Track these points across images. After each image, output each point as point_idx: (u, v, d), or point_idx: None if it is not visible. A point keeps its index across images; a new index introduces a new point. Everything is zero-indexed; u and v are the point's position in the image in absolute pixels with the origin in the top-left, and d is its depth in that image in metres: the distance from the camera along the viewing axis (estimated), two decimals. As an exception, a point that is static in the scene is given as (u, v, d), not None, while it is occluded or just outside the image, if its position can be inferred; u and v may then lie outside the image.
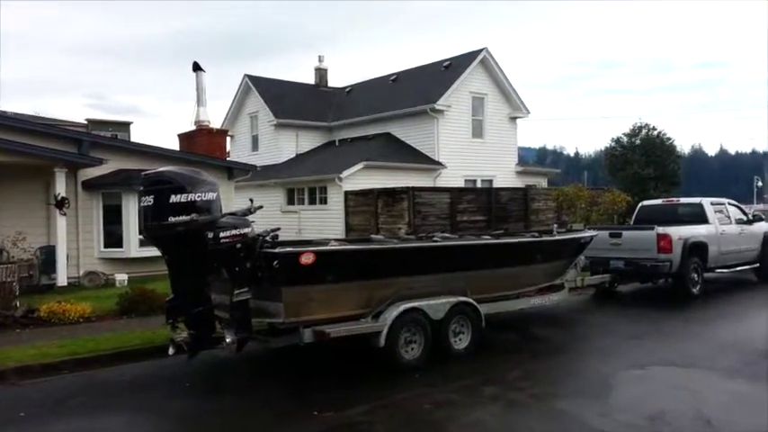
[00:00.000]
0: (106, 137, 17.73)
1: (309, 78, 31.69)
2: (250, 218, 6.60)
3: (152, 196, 5.78)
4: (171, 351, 6.13)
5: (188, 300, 5.94)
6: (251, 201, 7.16)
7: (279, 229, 6.80)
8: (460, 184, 22.49)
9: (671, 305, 11.07)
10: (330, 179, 20.57)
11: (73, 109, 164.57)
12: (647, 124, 31.38)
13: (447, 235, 9.92)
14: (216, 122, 27.02)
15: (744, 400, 5.73)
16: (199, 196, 5.78)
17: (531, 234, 9.85)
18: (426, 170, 22.47)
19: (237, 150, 28.85)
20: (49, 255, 12.98)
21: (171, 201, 5.66)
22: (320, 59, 31.69)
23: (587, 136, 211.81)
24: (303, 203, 22.50)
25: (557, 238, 9.47)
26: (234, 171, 16.73)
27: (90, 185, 13.96)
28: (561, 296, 9.62)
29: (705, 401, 5.61)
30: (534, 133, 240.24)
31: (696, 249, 11.53)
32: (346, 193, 19.87)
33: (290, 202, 23.13)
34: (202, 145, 17.25)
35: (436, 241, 8.00)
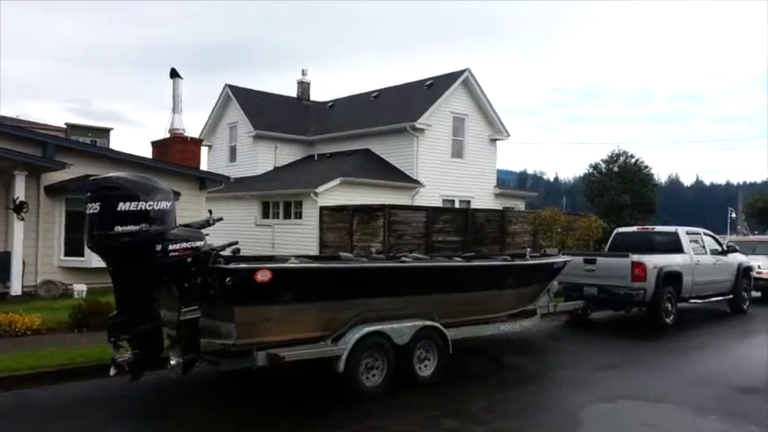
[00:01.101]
0: (73, 140, 17.22)
1: (292, 91, 31.42)
2: (212, 230, 6.23)
3: (98, 203, 5.39)
4: (112, 372, 5.69)
5: (133, 316, 5.52)
6: (209, 212, 6.83)
7: (237, 242, 6.46)
8: (438, 203, 22.31)
9: (644, 335, 10.86)
10: (306, 193, 20.21)
11: (56, 114, 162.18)
12: (624, 152, 31.74)
13: (418, 255, 9.61)
14: (196, 132, 26.66)
15: (716, 440, 5.47)
16: (151, 205, 5.43)
17: (503, 257, 9.59)
18: (404, 188, 22.23)
19: (215, 161, 28.38)
20: (3, 261, 12.39)
21: (119, 209, 5.30)
22: (303, 72, 31.39)
23: (567, 162, 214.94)
24: (278, 217, 22.06)
25: (529, 262, 9.23)
26: (206, 181, 16.26)
27: (53, 190, 13.42)
28: (533, 322, 9.34)
29: (676, 441, 5.34)
30: (515, 157, 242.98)
31: (670, 279, 11.38)
32: (321, 208, 19.51)
33: (265, 215, 22.67)
34: (176, 153, 16.82)
35: (403, 261, 7.67)
